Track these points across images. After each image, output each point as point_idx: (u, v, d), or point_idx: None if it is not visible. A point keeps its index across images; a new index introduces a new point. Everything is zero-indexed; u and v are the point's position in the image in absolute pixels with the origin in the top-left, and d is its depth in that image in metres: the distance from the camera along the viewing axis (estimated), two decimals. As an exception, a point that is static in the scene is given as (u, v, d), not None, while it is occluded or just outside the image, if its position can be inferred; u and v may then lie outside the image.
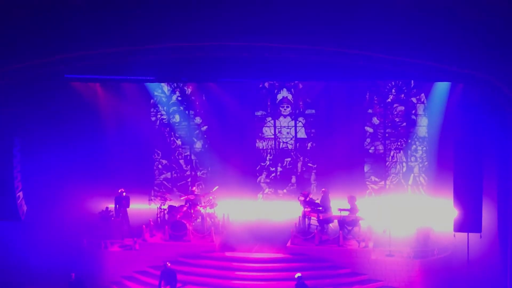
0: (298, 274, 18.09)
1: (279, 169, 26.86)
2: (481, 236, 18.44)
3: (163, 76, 23.29)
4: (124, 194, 23.30)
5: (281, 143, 26.78)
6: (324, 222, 21.94)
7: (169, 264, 18.94)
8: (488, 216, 18.97)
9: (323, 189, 23.07)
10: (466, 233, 18.62)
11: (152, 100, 26.97)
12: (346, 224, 21.62)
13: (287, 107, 26.54)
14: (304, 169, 26.68)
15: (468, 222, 18.25)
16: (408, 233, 21.49)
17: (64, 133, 23.35)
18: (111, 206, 23.30)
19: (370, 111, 25.65)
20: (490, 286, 19.16)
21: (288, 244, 21.59)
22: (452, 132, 22.11)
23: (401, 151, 25.58)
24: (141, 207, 24.86)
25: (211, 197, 23.85)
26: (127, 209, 23.26)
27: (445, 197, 20.93)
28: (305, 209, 22.52)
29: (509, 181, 17.77)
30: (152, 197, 25.89)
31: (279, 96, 26.55)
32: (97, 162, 25.23)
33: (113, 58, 19.16)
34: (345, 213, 21.72)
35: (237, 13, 15.95)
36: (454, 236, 19.02)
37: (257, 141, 26.86)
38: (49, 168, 22.93)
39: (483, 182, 18.37)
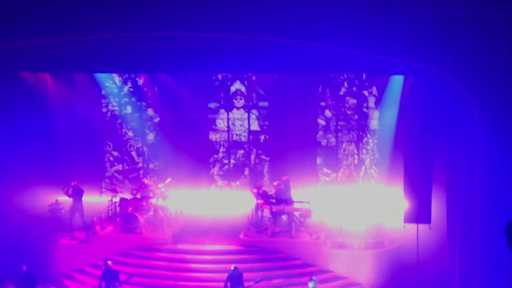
0: (232, 267, 17.95)
1: (232, 161, 26.82)
2: (430, 227, 18.77)
3: (115, 67, 22.94)
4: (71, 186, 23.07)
5: (234, 136, 26.73)
6: (276, 214, 22.00)
7: (110, 263, 18.35)
8: (437, 207, 19.30)
9: (285, 177, 22.98)
10: (415, 224, 18.93)
11: (103, 91, 26.58)
12: (299, 216, 21.79)
13: (241, 99, 26.49)
14: (257, 161, 26.70)
15: (418, 214, 18.57)
16: (359, 225, 21.76)
17: (12, 124, 22.82)
18: (61, 198, 22.99)
19: (322, 103, 25.78)
20: (439, 276, 19.51)
21: (241, 236, 21.62)
22: (403, 125, 22.40)
23: (353, 144, 25.82)
24: (92, 200, 24.51)
25: (163, 189, 23.70)
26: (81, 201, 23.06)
27: (395, 189, 21.21)
28: (258, 201, 22.55)
29: (457, 173, 18.12)
30: (103, 189, 25.58)
31: (232, 88, 26.45)
32: (47, 153, 24.77)
33: (63, 49, 18.82)
34: (304, 205, 21.91)
35: (190, 4, 15.83)
36: (404, 227, 19.32)
37: (210, 133, 26.74)
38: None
39: (432, 174, 18.68)
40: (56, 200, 23.32)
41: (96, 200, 24.77)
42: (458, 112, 17.57)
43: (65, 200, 23.23)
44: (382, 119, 25.00)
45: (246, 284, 17.46)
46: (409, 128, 19.53)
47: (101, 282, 17.91)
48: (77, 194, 22.94)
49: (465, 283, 17.38)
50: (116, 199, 23.52)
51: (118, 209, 23.28)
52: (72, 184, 22.98)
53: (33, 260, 20.00)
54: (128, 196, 23.43)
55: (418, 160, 18.43)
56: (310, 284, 16.95)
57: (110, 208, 23.65)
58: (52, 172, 24.74)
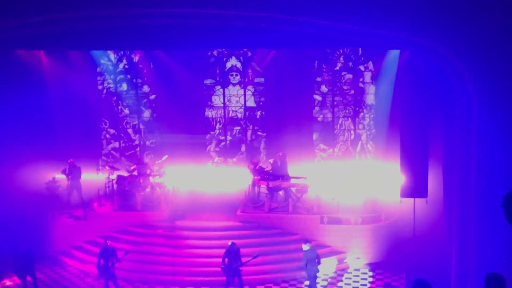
0: (230, 242, 18.04)
1: (228, 137, 26.82)
2: (427, 202, 18.82)
3: (110, 44, 22.78)
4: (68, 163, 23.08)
5: (231, 112, 26.71)
6: (273, 190, 22.07)
7: (109, 243, 18.39)
8: (433, 182, 19.34)
9: (281, 153, 23.01)
10: (412, 199, 18.98)
11: (98, 68, 26.49)
12: (295, 191, 21.85)
13: (236, 75, 26.43)
14: (254, 137, 26.71)
15: (414, 188, 18.55)
16: (356, 200, 21.83)
17: (7, 102, 22.70)
18: (58, 176, 23.03)
19: (318, 79, 25.75)
20: (436, 250, 19.61)
21: (238, 212, 21.71)
22: (399, 100, 22.36)
23: (349, 119, 25.82)
24: (89, 177, 24.51)
25: (159, 167, 23.72)
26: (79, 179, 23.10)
27: (392, 164, 21.24)
28: (255, 177, 22.61)
29: (453, 147, 18.12)
30: (100, 167, 25.60)
31: (228, 64, 26.39)
32: (43, 132, 24.69)
33: (57, 26, 18.66)
34: (301, 181, 21.95)
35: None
36: (401, 201, 19.37)
37: (206, 109, 26.71)
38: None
39: (428, 149, 18.69)
40: (53, 178, 23.35)
41: (93, 178, 24.76)
42: (455, 86, 17.51)
43: (62, 177, 23.27)
44: (378, 94, 24.99)
45: (243, 259, 17.56)
46: (405, 103, 19.46)
47: (99, 259, 17.98)
48: (74, 172, 22.99)
49: (461, 256, 17.46)
50: (113, 177, 23.56)
51: (115, 186, 23.34)
52: (68, 161, 23.03)
53: (31, 238, 20.08)
54: (125, 173, 23.48)
55: (415, 135, 18.39)
56: (305, 247, 17.20)
57: (107, 186, 23.70)
58: (49, 150, 24.69)
